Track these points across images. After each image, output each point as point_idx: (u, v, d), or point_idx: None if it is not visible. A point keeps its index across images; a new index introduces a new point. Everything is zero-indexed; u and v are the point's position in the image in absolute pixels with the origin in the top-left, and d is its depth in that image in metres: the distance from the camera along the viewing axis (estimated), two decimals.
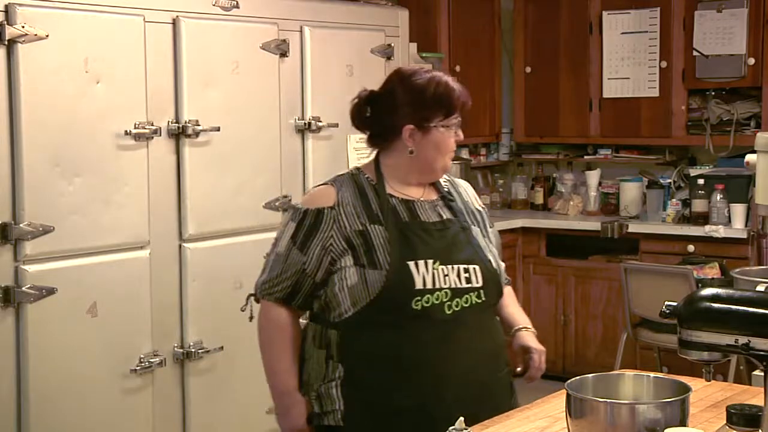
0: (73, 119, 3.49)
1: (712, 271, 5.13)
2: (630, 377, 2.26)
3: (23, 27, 3.33)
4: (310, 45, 4.37)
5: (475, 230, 2.57)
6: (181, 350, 3.89)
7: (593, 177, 6.25)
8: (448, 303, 2.43)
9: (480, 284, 2.48)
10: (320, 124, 4.37)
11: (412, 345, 2.42)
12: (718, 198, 5.54)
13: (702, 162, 5.95)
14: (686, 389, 2.08)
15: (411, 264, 2.42)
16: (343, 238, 2.45)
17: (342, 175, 2.60)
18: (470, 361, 2.47)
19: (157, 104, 3.79)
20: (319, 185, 2.61)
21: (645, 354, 5.43)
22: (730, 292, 2.06)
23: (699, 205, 5.62)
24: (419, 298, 2.41)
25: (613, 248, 5.86)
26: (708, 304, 2.04)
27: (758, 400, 2.17)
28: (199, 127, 3.89)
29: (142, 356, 3.71)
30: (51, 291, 3.42)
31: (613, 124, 6.05)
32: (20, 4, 3.33)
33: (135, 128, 3.67)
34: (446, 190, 2.63)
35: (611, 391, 2.17)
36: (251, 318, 2.67)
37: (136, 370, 3.69)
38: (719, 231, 5.44)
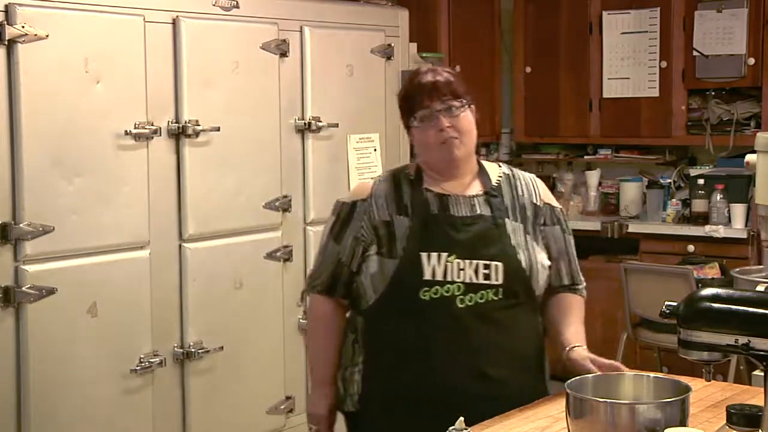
0: (73, 119, 3.48)
1: (712, 271, 5.13)
2: (630, 377, 2.26)
3: (23, 27, 3.32)
4: (310, 45, 4.36)
5: (514, 226, 2.55)
6: (181, 350, 3.89)
7: (593, 177, 6.25)
8: (461, 297, 2.45)
9: (500, 282, 2.47)
10: (320, 124, 4.36)
11: (423, 335, 2.45)
12: (718, 198, 5.54)
13: (702, 162, 5.95)
14: (686, 389, 2.08)
15: (423, 255, 2.46)
16: (372, 228, 2.54)
17: (389, 170, 2.71)
18: (489, 357, 2.47)
19: (157, 104, 3.78)
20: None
21: (645, 354, 5.43)
22: (730, 292, 2.06)
23: (699, 205, 5.62)
24: (428, 288, 2.44)
25: (613, 248, 5.85)
26: (708, 304, 2.03)
27: (758, 400, 2.17)
28: (199, 127, 3.89)
29: (142, 356, 3.71)
30: (51, 291, 3.42)
31: (613, 124, 6.04)
32: (20, 4, 3.33)
33: (135, 128, 3.66)
34: (495, 185, 2.63)
35: (611, 391, 2.18)
36: (306, 313, 2.79)
37: (136, 370, 3.68)
38: (719, 231, 5.44)
